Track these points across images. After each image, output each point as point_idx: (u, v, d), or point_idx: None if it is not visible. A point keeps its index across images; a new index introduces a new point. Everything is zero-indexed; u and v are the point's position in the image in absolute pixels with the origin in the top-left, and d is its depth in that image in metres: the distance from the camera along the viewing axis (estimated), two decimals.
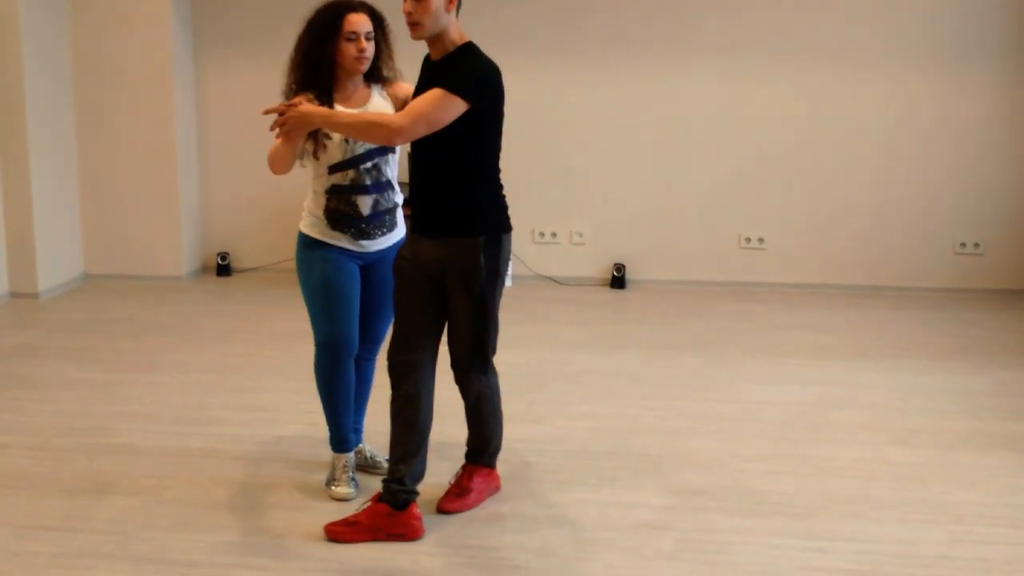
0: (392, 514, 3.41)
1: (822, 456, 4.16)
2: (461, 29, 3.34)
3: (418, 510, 3.45)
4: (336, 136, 3.55)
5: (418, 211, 3.45)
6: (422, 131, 3.23)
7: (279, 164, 3.48)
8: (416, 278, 3.45)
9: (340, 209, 3.62)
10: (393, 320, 3.54)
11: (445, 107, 3.20)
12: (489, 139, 3.38)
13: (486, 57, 3.33)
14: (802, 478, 3.94)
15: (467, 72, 3.25)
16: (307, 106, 3.34)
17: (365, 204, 3.63)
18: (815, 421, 4.55)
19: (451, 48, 3.32)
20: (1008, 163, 6.80)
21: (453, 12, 3.28)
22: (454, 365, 3.55)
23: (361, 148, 3.59)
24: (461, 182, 3.37)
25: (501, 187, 3.49)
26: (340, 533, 3.41)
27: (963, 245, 6.91)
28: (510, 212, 3.52)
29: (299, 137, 3.46)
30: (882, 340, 5.85)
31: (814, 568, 3.26)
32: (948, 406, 4.76)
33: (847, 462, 4.10)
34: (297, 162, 3.63)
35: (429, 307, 3.46)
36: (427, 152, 3.38)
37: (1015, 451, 4.22)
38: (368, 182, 3.62)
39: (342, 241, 3.66)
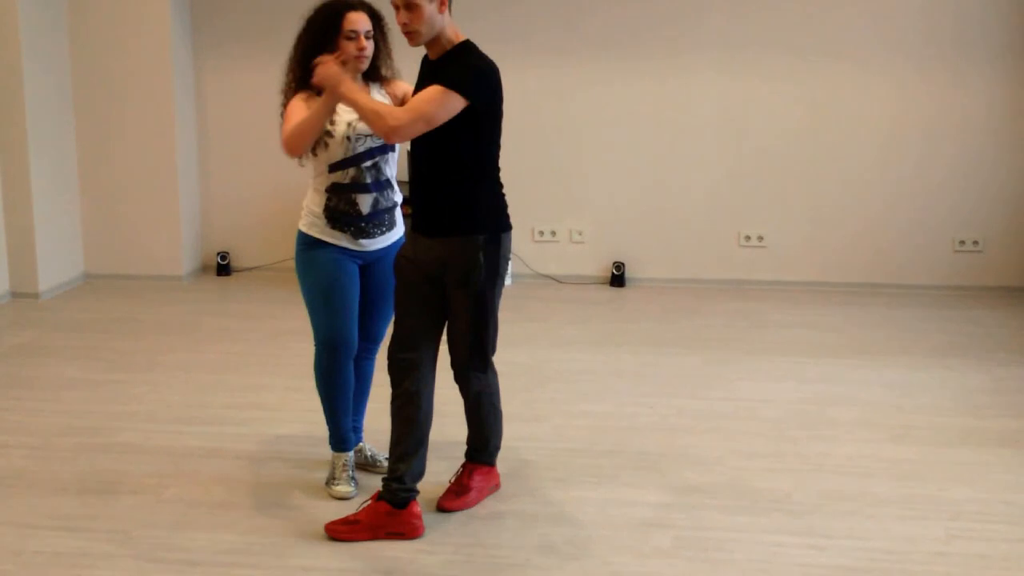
0: (392, 512, 3.42)
1: (820, 453, 4.17)
2: (456, 28, 3.36)
3: (418, 508, 3.46)
4: (338, 134, 3.56)
5: (418, 210, 3.46)
6: (420, 128, 3.24)
7: (304, 137, 3.43)
8: (416, 277, 3.46)
9: (340, 208, 3.63)
10: (393, 319, 3.55)
11: (444, 104, 3.21)
12: (488, 137, 3.39)
13: (484, 55, 3.35)
14: (800, 475, 3.95)
15: (466, 69, 3.27)
16: (342, 73, 3.34)
17: (365, 203, 3.64)
18: (813, 418, 4.56)
19: (448, 47, 3.34)
20: (1007, 160, 6.80)
21: (447, 13, 3.29)
22: (454, 364, 3.56)
23: (361, 147, 3.60)
24: (461, 180, 3.38)
25: (501, 186, 3.50)
26: (340, 532, 3.42)
27: (962, 243, 6.91)
28: (509, 211, 3.53)
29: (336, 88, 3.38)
30: (881, 337, 5.85)
31: (812, 565, 3.27)
32: (946, 403, 4.77)
33: (845, 459, 4.11)
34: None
35: (429, 306, 3.47)
36: (427, 151, 3.39)
37: (1013, 448, 4.23)
38: (368, 180, 3.63)
39: (342, 240, 3.67)
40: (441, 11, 3.27)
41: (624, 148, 7.07)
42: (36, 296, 6.65)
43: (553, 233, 7.23)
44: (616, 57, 6.94)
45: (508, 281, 7.04)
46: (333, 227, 3.65)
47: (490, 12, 6.89)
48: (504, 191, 3.51)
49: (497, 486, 3.80)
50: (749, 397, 4.84)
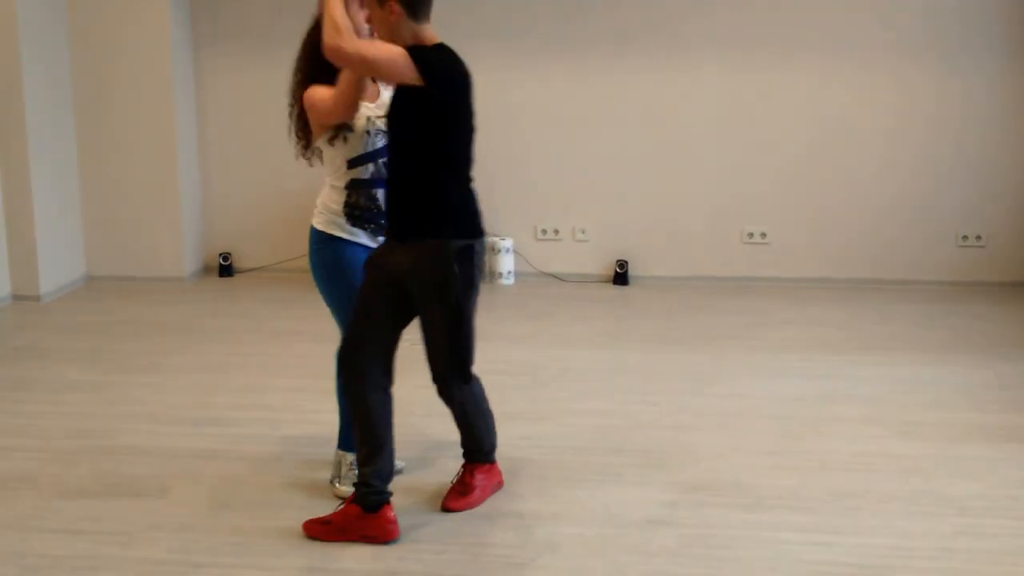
0: (362, 516, 3.38)
1: (825, 450, 4.15)
2: (432, 33, 3.34)
3: (392, 512, 3.40)
4: (358, 128, 3.56)
5: (391, 215, 3.44)
6: (356, 61, 3.22)
7: (348, 100, 3.41)
8: (384, 280, 3.42)
9: (360, 204, 3.62)
10: (352, 317, 3.49)
11: (393, 61, 3.20)
12: (456, 139, 3.38)
13: (455, 55, 3.36)
14: (806, 472, 3.94)
15: (432, 59, 3.27)
16: None
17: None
18: (818, 415, 4.55)
19: None
20: (1009, 156, 6.78)
21: (405, 19, 3.27)
22: (435, 379, 3.50)
23: (380, 141, 3.59)
24: (428, 185, 3.36)
25: (473, 192, 3.46)
26: (315, 531, 3.41)
27: (965, 238, 6.90)
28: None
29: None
30: (885, 334, 5.84)
31: (817, 562, 3.26)
32: (951, 399, 4.75)
33: (850, 456, 4.10)
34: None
35: (391, 309, 3.42)
36: (397, 155, 3.39)
37: (1018, 443, 4.21)
38: (388, 176, 3.62)
39: (361, 237, 3.65)
40: (391, 19, 3.26)
41: (627, 146, 7.06)
42: (37, 298, 6.64)
43: (556, 231, 7.21)
44: (619, 54, 6.93)
45: (510, 280, 7.03)
46: (353, 224, 3.63)
47: (492, 10, 6.88)
48: (477, 197, 3.47)
49: (500, 484, 3.78)
50: (753, 394, 4.83)
